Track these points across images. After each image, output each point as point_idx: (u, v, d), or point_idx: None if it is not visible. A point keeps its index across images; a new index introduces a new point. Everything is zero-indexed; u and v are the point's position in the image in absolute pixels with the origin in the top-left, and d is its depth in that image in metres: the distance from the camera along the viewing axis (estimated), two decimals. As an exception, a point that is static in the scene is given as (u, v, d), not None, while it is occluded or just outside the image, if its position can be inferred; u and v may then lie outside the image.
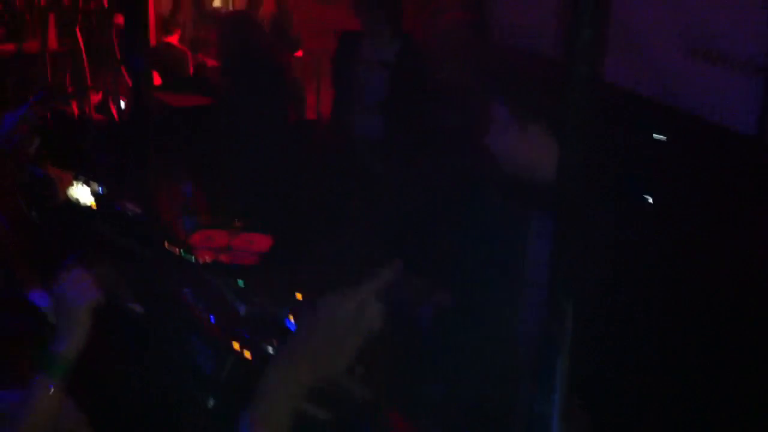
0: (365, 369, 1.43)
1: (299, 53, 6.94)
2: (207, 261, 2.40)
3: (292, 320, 1.89)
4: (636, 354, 2.51)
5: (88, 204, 2.48)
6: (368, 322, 1.34)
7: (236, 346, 1.79)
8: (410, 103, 4.04)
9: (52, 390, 1.67)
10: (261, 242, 3.18)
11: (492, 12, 4.23)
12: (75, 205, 2.47)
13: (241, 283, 2.04)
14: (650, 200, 2.66)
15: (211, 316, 1.97)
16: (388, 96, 4.36)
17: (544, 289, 2.32)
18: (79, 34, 5.87)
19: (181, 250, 2.40)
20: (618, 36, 3.09)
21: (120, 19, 6.14)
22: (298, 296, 1.94)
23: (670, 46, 3.16)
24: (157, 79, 6.47)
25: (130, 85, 5.45)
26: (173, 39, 7.57)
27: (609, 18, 2.70)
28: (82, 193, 2.55)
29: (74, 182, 2.64)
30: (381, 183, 3.89)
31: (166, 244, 2.43)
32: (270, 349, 1.75)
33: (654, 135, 2.78)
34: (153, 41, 6.45)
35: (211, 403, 1.82)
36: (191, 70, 7.29)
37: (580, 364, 1.99)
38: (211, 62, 6.86)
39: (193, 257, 2.40)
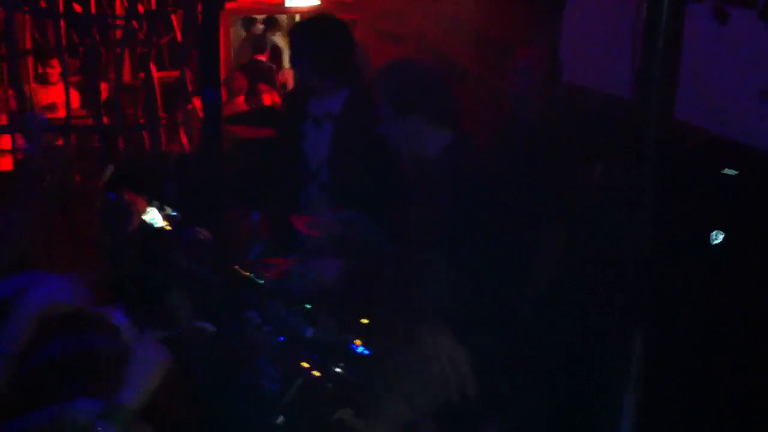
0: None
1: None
2: (274, 285, 2.45)
3: (358, 345, 1.92)
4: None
5: (162, 228, 2.56)
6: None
7: (305, 365, 1.83)
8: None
9: None
10: (328, 269, 3.21)
11: (562, 49, 4.19)
12: (149, 229, 2.55)
13: (307, 306, 2.09)
14: (721, 238, 2.64)
15: (280, 338, 2.01)
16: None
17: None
18: (152, 67, 6.04)
19: (250, 275, 2.46)
20: (689, 75, 3.09)
21: (193, 53, 6.31)
22: (364, 321, 1.98)
23: (740, 86, 3.16)
24: (226, 111, 6.63)
25: (201, 116, 5.60)
26: (263, 56, 8.77)
27: (680, 56, 2.69)
28: (155, 218, 2.63)
29: (148, 207, 2.73)
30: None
31: (235, 269, 2.49)
32: (338, 371, 1.78)
33: (725, 171, 2.77)
34: (223, 73, 6.64)
35: (278, 422, 1.85)
36: (277, 83, 8.37)
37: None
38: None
39: (261, 281, 2.45)
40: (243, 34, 10.25)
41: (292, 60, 4.53)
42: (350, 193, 3.61)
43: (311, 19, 4.17)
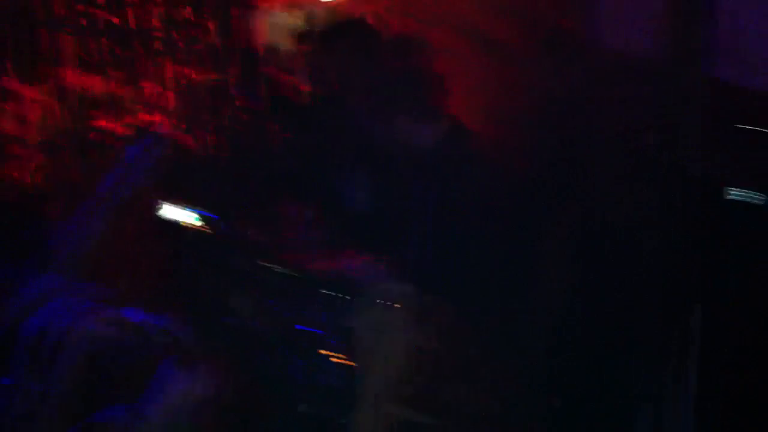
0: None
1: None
2: (322, 280, 2.47)
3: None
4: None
5: (204, 231, 2.61)
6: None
7: (345, 356, 1.85)
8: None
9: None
10: (374, 263, 3.23)
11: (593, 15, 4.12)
12: (191, 230, 2.60)
13: (350, 298, 2.10)
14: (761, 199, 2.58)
15: (322, 331, 2.03)
16: None
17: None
18: (193, 73, 6.11)
19: (299, 271, 2.49)
20: (726, 33, 3.02)
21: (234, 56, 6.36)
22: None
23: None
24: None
25: (246, 119, 5.65)
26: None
27: (716, 16, 2.64)
28: (196, 222, 2.67)
29: (189, 211, 2.78)
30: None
31: (285, 264, 2.53)
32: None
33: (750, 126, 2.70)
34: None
35: (334, 416, 1.87)
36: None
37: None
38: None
39: (309, 277, 2.48)
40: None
41: None
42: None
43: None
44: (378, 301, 2.04)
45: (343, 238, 3.55)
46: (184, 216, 2.74)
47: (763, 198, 2.59)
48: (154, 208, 2.79)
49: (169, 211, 2.70)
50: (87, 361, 1.80)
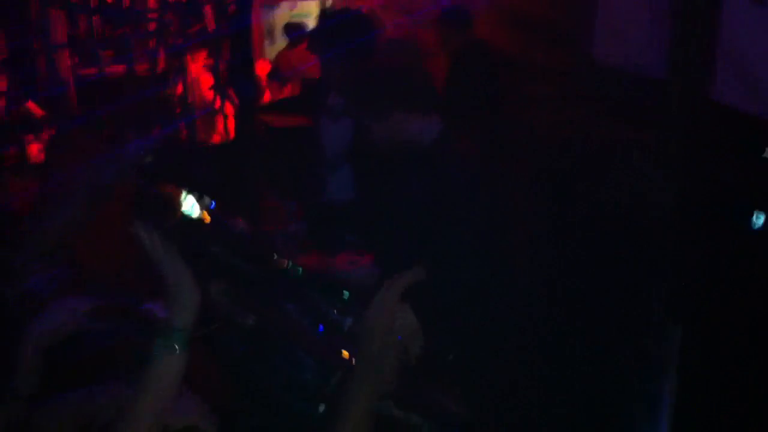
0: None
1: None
2: (312, 275, 2.45)
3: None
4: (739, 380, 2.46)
5: (200, 219, 2.57)
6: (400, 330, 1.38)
7: (346, 355, 1.84)
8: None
9: (176, 355, 1.71)
10: (363, 260, 3.23)
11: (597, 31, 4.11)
12: (187, 219, 2.57)
13: (346, 295, 2.09)
14: (761, 218, 2.61)
15: (320, 327, 2.02)
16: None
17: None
18: (188, 57, 6.09)
19: (287, 265, 2.46)
20: (725, 55, 3.04)
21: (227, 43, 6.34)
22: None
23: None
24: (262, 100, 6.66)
25: (237, 104, 5.62)
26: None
27: (716, 37, 2.65)
28: (193, 208, 2.64)
29: (186, 197, 2.74)
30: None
31: (273, 259, 2.50)
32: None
33: (764, 154, 2.73)
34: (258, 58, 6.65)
35: (317, 413, 1.87)
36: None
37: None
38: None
39: (299, 271, 2.45)
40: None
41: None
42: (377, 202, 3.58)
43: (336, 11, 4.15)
44: (364, 295, 2.03)
45: (329, 232, 3.54)
46: (175, 202, 2.70)
47: (762, 218, 2.62)
48: (143, 192, 2.75)
49: (160, 196, 2.67)
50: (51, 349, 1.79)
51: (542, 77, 3.81)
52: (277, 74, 7.64)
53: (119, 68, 6.51)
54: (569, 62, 3.89)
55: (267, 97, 7.25)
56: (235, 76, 5.42)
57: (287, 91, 7.48)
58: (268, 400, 2.05)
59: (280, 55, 8.33)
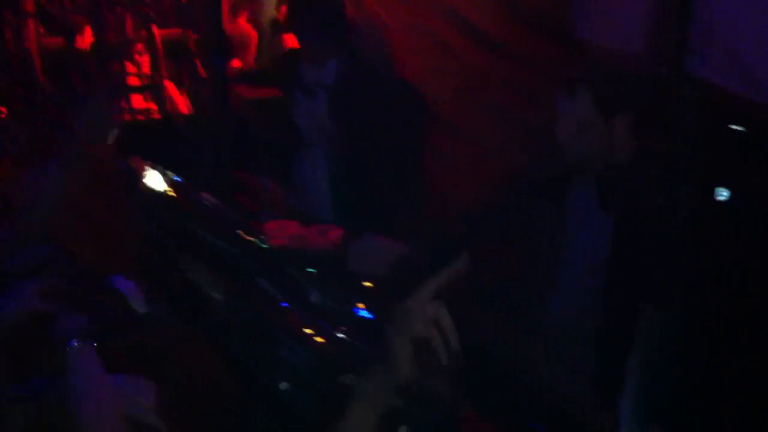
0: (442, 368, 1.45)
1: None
2: (280, 249, 2.46)
3: (362, 308, 1.94)
4: (714, 356, 2.47)
5: (167, 193, 2.57)
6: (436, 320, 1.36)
7: (310, 332, 1.85)
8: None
9: None
10: (333, 233, 3.23)
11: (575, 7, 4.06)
12: (155, 194, 2.56)
13: (312, 270, 2.10)
14: (727, 195, 2.63)
15: (284, 303, 2.03)
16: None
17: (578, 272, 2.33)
18: (154, 28, 6.01)
19: (256, 239, 2.47)
20: (705, 31, 3.04)
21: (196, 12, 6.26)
22: (368, 284, 1.99)
23: (759, 40, 3.11)
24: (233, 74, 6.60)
25: (205, 77, 5.56)
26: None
27: (696, 14, 2.66)
28: (160, 183, 2.64)
29: (153, 172, 2.74)
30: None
31: (242, 234, 2.50)
32: (340, 336, 1.80)
33: (733, 126, 2.74)
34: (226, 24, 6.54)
35: (284, 387, 1.88)
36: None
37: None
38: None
39: (267, 246, 2.46)
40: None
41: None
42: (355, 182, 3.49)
43: None
44: (345, 275, 2.04)
45: (307, 209, 3.53)
46: (148, 177, 2.70)
47: (751, 199, 2.64)
48: (114, 168, 2.74)
49: (133, 172, 2.66)
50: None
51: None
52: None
53: (86, 38, 6.42)
54: (554, 46, 3.85)
55: (237, 67, 7.18)
56: (204, 46, 5.35)
57: (258, 64, 7.41)
58: (247, 378, 2.05)
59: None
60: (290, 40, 8.28)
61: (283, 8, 6.14)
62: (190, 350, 1.77)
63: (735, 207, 2.73)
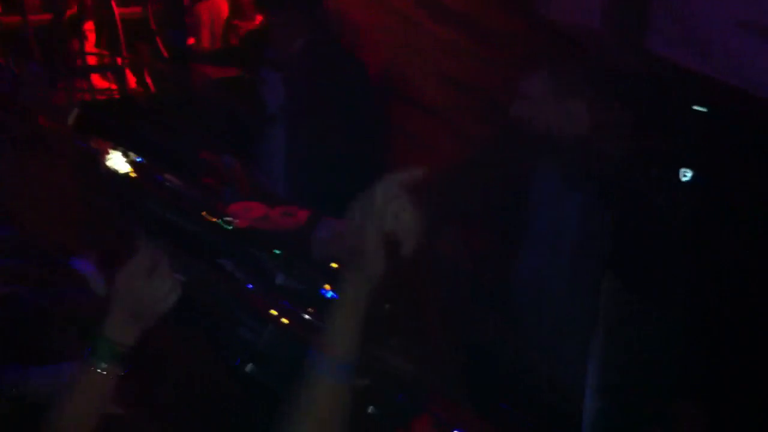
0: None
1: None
2: (244, 230, 2.43)
3: (328, 289, 1.92)
4: (713, 356, 2.48)
5: (128, 174, 2.52)
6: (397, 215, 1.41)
7: (274, 313, 1.83)
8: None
9: (102, 374, 1.58)
10: (299, 214, 3.20)
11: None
12: (116, 175, 2.51)
13: (278, 252, 2.08)
14: (688, 175, 2.64)
15: (249, 285, 2.00)
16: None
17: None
18: (114, 6, 5.91)
19: (220, 220, 2.44)
20: (663, 7, 3.05)
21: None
22: (334, 266, 1.97)
23: (719, 18, 3.11)
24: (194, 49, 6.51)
25: (166, 56, 5.50)
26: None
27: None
28: (122, 164, 2.59)
29: (114, 153, 2.68)
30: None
31: (204, 214, 2.47)
32: (307, 317, 1.78)
33: (695, 107, 2.75)
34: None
35: (249, 368, 1.86)
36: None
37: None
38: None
39: (231, 227, 2.43)
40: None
41: None
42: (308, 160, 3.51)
43: None
44: (311, 256, 2.03)
45: (272, 188, 3.49)
46: (109, 158, 2.64)
47: (713, 178, 2.65)
48: (74, 148, 2.69)
49: (93, 152, 2.61)
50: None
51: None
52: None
53: (15, 18, 6.28)
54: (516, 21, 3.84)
55: (201, 46, 7.10)
56: (165, 25, 5.28)
57: (221, 42, 7.34)
58: (201, 354, 2.03)
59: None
60: (256, 18, 8.28)
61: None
62: (189, 350, 1.74)
63: (699, 187, 2.74)
